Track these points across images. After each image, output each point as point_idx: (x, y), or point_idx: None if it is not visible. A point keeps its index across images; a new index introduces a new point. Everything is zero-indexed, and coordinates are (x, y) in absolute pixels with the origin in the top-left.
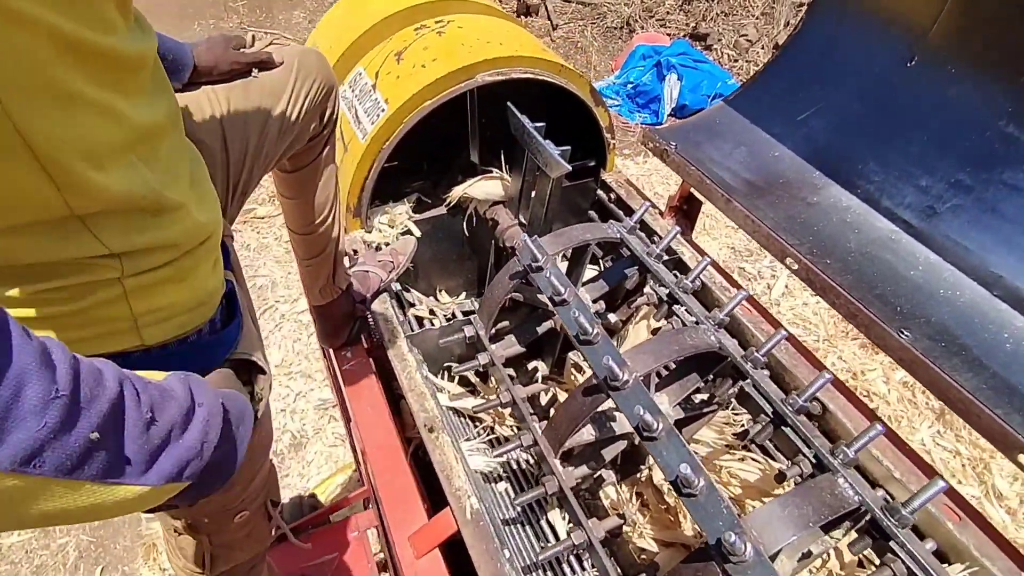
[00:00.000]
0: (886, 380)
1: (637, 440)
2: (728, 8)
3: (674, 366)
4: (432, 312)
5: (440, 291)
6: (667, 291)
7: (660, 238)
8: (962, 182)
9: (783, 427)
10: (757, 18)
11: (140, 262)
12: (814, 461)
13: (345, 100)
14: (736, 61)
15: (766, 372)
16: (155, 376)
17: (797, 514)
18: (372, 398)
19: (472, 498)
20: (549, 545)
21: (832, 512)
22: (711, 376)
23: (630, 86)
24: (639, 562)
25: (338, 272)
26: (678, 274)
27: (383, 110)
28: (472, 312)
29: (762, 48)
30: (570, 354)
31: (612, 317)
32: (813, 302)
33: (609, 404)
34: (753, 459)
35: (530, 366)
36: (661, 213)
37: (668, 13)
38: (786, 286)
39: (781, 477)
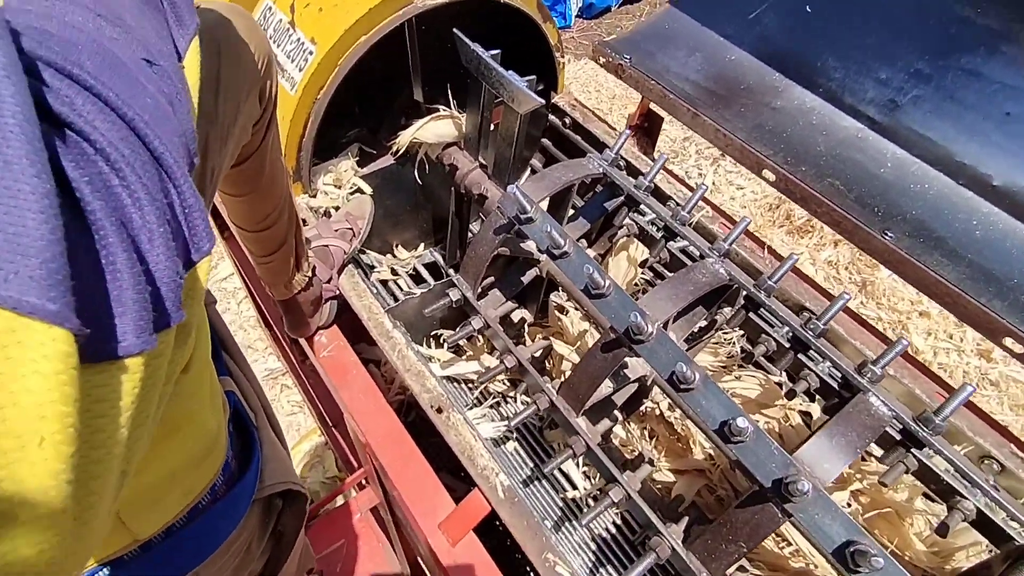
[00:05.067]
0: (813, 262)
1: (649, 381)
2: None
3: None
4: (394, 272)
5: (396, 246)
6: (660, 224)
7: (621, 158)
8: (921, 71)
9: (803, 352)
10: None
11: None
12: (840, 381)
13: None
14: None
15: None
16: None
17: (844, 442)
18: (363, 384)
19: (501, 475)
20: (590, 508)
21: (874, 433)
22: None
23: None
24: (659, 495)
25: (302, 259)
26: (671, 206)
27: (311, 53)
28: (432, 264)
29: None
30: (552, 296)
31: (591, 252)
32: (740, 195)
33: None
34: (750, 376)
35: (514, 317)
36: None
37: None
38: (713, 182)
39: (792, 394)
